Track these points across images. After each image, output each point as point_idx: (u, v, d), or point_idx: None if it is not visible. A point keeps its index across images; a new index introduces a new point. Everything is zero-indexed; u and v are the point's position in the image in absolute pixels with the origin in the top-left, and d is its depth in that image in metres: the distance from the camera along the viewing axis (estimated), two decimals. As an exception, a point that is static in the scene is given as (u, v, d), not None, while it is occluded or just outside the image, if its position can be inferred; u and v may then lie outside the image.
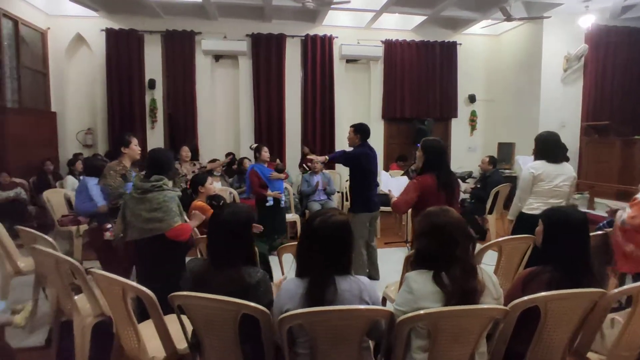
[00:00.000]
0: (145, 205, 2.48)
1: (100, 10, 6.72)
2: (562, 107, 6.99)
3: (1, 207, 5.04)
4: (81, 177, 3.56)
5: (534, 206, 2.97)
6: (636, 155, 6.01)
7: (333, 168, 6.94)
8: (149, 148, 5.96)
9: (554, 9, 6.42)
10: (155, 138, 7.07)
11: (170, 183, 2.63)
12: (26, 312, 2.18)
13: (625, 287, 1.71)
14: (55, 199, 4.85)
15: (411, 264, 1.63)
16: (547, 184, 2.95)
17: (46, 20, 6.71)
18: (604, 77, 7.16)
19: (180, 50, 7.03)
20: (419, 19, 7.31)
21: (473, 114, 8.17)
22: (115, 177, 3.01)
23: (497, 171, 5.64)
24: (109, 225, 3.06)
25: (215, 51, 7.16)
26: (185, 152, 5.01)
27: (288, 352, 1.54)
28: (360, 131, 3.64)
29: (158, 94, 7.11)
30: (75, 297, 2.25)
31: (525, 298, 1.60)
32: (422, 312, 1.45)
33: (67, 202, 5.06)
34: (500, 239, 2.53)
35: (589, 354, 1.87)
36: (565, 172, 2.99)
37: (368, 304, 1.54)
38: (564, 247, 1.70)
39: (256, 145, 4.92)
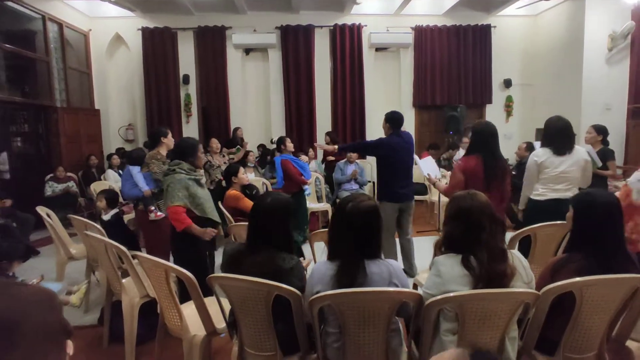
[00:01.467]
0: (163, 187, 2.70)
1: (136, 10, 7.01)
2: (606, 89, 6.57)
3: (56, 199, 5.44)
4: (126, 167, 3.88)
5: (539, 192, 2.90)
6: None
7: (364, 158, 6.93)
8: (185, 141, 6.20)
9: (598, -16, 6.05)
10: (191, 131, 7.34)
11: (195, 169, 2.77)
12: (81, 293, 2.39)
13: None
14: (101, 191, 5.17)
15: (439, 248, 1.65)
16: (552, 171, 2.85)
17: (87, 22, 7.09)
18: (654, 55, 6.66)
19: (211, 45, 7.22)
20: (449, 2, 7.08)
21: (509, 99, 7.87)
22: (159, 165, 3.23)
23: (534, 158, 5.42)
24: (153, 207, 3.31)
25: (245, 45, 7.30)
26: (215, 144, 5.13)
27: (319, 331, 1.61)
28: (390, 120, 3.56)
29: (192, 88, 7.36)
30: (123, 280, 2.43)
31: (560, 283, 1.57)
32: (449, 295, 1.47)
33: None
34: (534, 226, 2.47)
35: (629, 343, 1.82)
36: (572, 158, 2.84)
37: (397, 286, 1.58)
38: (594, 230, 1.65)
39: (278, 137, 4.89)
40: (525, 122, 7.86)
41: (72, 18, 6.66)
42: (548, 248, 2.51)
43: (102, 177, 6.22)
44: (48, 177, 5.65)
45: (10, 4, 5.41)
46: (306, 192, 4.70)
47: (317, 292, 1.61)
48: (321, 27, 7.35)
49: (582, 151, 2.95)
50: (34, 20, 5.92)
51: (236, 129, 6.64)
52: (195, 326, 1.97)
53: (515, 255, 1.58)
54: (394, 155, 3.47)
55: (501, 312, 1.50)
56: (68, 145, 6.26)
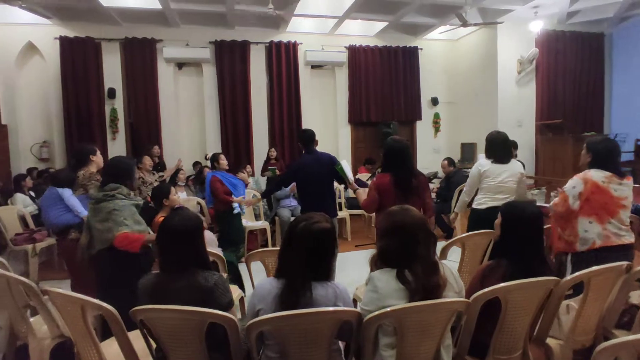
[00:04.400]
0: (97, 215, 2.37)
1: (53, 18, 6.45)
2: (517, 108, 7.34)
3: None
4: (49, 190, 3.44)
5: (481, 201, 3.12)
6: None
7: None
8: (110, 159, 5.73)
9: (507, 14, 6.76)
10: (117, 149, 6.83)
11: (131, 193, 2.52)
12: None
13: (576, 274, 1.81)
14: (7, 217, 4.58)
15: (375, 263, 1.66)
16: (492, 180, 3.09)
17: (-7, 29, 6.37)
18: (555, 78, 7.58)
19: (140, 58, 6.86)
20: (380, 25, 7.48)
21: (436, 116, 8.43)
22: (97, 187, 2.91)
23: (459, 171, 5.83)
24: None
25: (177, 59, 7.03)
26: (149, 161, 4.90)
27: (257, 356, 1.52)
28: (300, 138, 3.58)
29: (119, 103, 6.89)
30: (31, 319, 2.13)
31: (486, 290, 1.66)
32: (387, 309, 1.48)
33: (21, 219, 4.80)
34: (462, 235, 2.62)
35: (548, 340, 1.96)
36: (510, 169, 3.11)
37: (341, 307, 1.55)
38: (520, 239, 1.78)
39: (212, 154, 4.77)
40: (451, 137, 8.45)
41: (-27, 23, 5.95)
42: (476, 255, 2.67)
43: (8, 202, 5.50)
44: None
45: None
46: (235, 211, 4.51)
47: (259, 310, 1.54)
48: (257, 43, 7.33)
49: (519, 165, 3.22)
50: None
51: (150, 148, 6.18)
52: (118, 365, 1.77)
53: (445, 266, 1.63)
54: (305, 175, 3.44)
55: (437, 322, 1.54)
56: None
